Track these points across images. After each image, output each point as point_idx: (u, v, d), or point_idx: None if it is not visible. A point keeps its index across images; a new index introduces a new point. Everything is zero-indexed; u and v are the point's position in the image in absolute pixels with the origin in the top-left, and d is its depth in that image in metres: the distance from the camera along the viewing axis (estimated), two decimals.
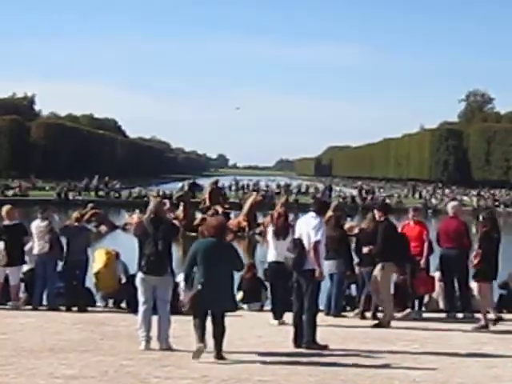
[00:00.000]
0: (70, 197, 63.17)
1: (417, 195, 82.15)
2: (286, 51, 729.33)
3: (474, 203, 65.57)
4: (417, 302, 14.75)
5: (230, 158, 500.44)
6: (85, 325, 12.92)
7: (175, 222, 11.86)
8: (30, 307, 14.74)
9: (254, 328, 12.93)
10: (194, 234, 33.27)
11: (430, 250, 14.80)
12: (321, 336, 11.18)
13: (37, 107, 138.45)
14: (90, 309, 14.80)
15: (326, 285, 13.16)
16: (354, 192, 77.59)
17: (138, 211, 43.94)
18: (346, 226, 17.63)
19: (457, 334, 12.71)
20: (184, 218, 37.58)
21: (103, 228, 39.82)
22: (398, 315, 14.12)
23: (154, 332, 10.79)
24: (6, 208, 15.04)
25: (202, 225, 37.88)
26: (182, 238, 29.41)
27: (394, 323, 13.36)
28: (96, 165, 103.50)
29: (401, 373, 9.58)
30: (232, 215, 41.12)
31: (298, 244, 11.14)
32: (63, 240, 15.09)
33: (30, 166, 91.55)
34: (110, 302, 15.56)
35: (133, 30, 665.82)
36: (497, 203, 67.82)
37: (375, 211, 13.87)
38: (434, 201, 69.26)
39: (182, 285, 15.14)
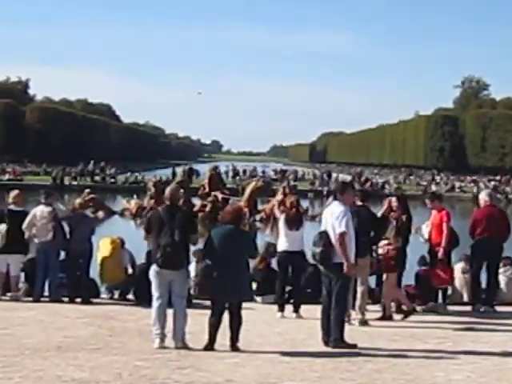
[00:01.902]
0: (66, 182, 62.24)
1: (414, 181, 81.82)
2: (281, 38, 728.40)
3: (474, 190, 64.82)
4: (440, 295, 13.98)
5: (224, 143, 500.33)
6: (90, 319, 12.10)
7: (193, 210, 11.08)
8: (30, 299, 13.90)
9: (271, 324, 12.14)
10: None
11: (455, 241, 13.89)
12: (346, 333, 10.35)
13: (31, 92, 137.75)
14: (94, 301, 13.99)
15: None
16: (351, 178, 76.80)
17: (135, 197, 43.30)
18: None
19: (490, 329, 11.91)
20: (184, 205, 36.72)
21: (100, 214, 38.67)
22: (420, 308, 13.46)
23: (169, 328, 9.99)
24: (14, 193, 14.45)
25: (201, 211, 37.42)
26: None
27: (420, 318, 12.66)
28: (90, 150, 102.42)
29: (441, 376, 8.72)
30: (230, 201, 40.33)
31: (323, 237, 10.25)
32: (66, 228, 14.26)
33: (25, 150, 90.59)
34: (116, 293, 14.72)
35: (127, 17, 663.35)
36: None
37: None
38: (433, 187, 68.59)
39: (191, 275, 14.42)
